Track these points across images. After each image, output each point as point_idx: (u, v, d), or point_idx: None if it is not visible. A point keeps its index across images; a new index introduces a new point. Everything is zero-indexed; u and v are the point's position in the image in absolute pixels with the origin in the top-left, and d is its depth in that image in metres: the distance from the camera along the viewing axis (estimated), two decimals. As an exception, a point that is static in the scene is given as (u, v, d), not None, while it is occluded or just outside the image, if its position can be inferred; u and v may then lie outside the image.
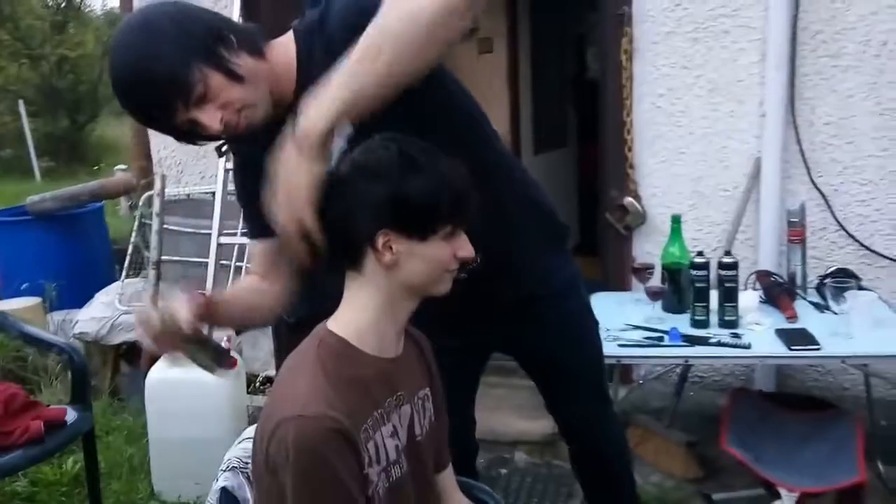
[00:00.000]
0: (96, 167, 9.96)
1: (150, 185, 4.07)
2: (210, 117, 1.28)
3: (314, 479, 1.10)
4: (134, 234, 4.12)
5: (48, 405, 2.63)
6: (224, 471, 1.39)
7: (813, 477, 2.27)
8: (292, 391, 1.17)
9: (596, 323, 1.83)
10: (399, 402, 1.27)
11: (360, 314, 1.24)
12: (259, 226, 1.47)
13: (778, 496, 2.23)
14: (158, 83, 1.25)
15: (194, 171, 3.89)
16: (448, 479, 1.44)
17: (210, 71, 1.26)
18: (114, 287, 3.96)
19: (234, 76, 1.28)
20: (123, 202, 6.27)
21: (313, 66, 1.34)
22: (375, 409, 1.21)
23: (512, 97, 5.00)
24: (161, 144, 3.97)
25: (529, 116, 5.16)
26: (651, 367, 3.05)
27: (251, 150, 1.42)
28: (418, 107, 1.28)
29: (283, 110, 1.35)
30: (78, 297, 3.98)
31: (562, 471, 2.82)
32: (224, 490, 1.37)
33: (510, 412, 3.11)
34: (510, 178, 1.64)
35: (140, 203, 4.09)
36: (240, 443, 1.42)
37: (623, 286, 3.04)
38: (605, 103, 3.19)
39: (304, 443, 1.10)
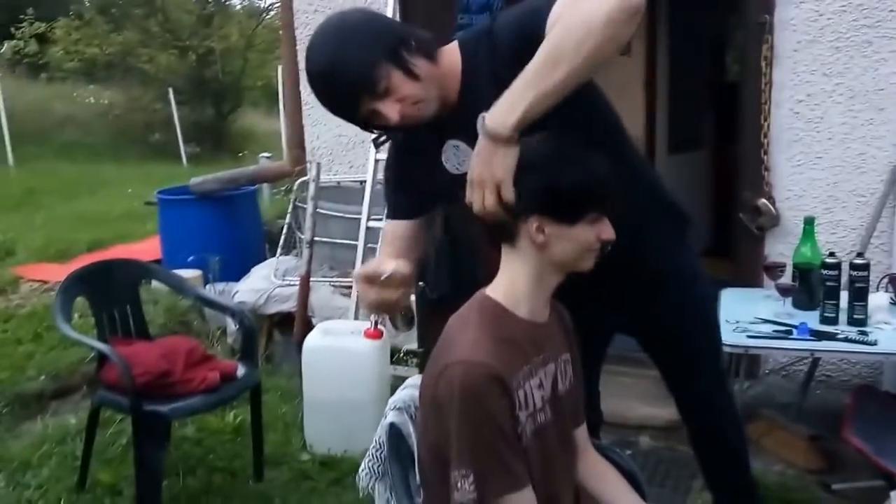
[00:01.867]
0: (240, 154, 10.51)
1: (302, 172, 4.43)
2: (389, 109, 1.52)
3: (475, 414, 1.34)
4: (288, 216, 4.47)
5: (219, 361, 2.97)
6: (391, 409, 1.63)
7: None
8: (458, 343, 1.42)
9: (717, 310, 1.98)
10: (545, 361, 1.49)
11: (513, 284, 1.47)
12: (402, 207, 1.78)
13: (893, 485, 2.31)
14: (349, 78, 1.49)
15: (344, 160, 4.22)
16: (583, 435, 1.65)
17: (393, 70, 1.50)
18: (269, 263, 4.34)
19: (413, 75, 1.52)
20: (266, 188, 6.67)
21: (479, 76, 1.58)
22: (525, 364, 1.44)
23: (648, 98, 5.12)
24: (314, 135, 4.33)
25: (665, 117, 5.26)
26: (777, 361, 3.14)
27: (412, 141, 1.67)
28: (570, 109, 1.45)
29: (447, 111, 1.59)
30: (233, 271, 4.34)
31: (684, 455, 2.91)
32: (392, 425, 1.61)
33: (636, 399, 3.27)
34: (640, 171, 1.85)
35: (294, 188, 4.43)
36: (404, 389, 1.67)
37: (754, 285, 3.12)
38: (743, 107, 3.31)
39: (468, 384, 1.34)
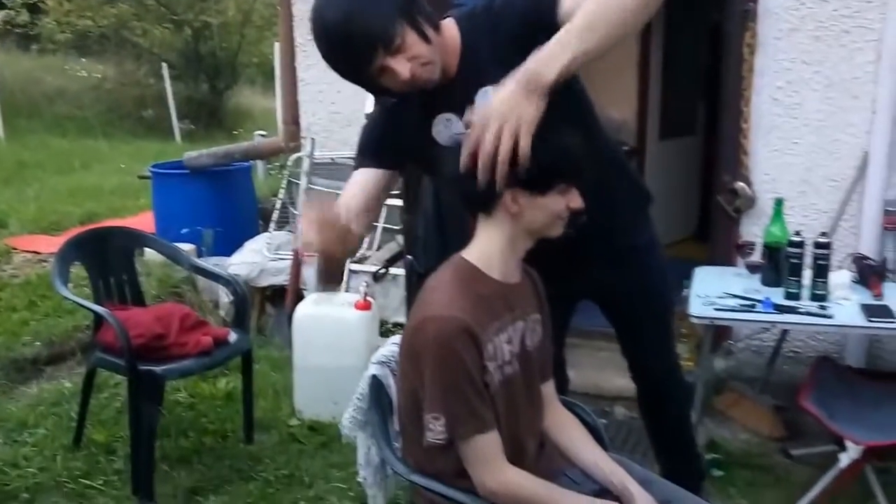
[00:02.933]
0: (235, 132, 10.47)
1: (297, 149, 4.49)
2: (401, 66, 1.61)
3: (446, 362, 1.48)
4: (282, 192, 4.55)
5: (211, 328, 3.07)
6: (374, 363, 1.77)
7: (879, 433, 2.50)
8: (434, 299, 1.55)
9: (669, 281, 2.14)
10: (514, 319, 1.62)
11: (487, 247, 1.60)
12: (376, 162, 1.83)
13: (845, 448, 2.47)
14: (368, 30, 1.56)
15: (338, 138, 4.29)
16: (549, 390, 1.78)
17: (408, 28, 1.59)
18: (262, 237, 4.44)
19: (425, 36, 1.63)
20: (261, 165, 6.71)
21: (478, 53, 1.69)
22: (495, 320, 1.57)
23: (641, 84, 5.22)
24: (310, 112, 4.39)
25: (657, 103, 5.34)
26: (745, 336, 3.28)
27: (405, 106, 1.76)
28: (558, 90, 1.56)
29: (446, 81, 1.69)
30: (226, 246, 4.42)
31: (641, 425, 3.10)
32: (374, 377, 1.75)
33: (613, 372, 3.37)
34: (611, 149, 1.99)
35: (289, 164, 4.49)
36: (387, 345, 1.80)
37: (729, 264, 3.25)
38: (725, 93, 3.42)
39: (442, 335, 1.48)
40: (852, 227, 3.20)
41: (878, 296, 2.61)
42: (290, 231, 4.47)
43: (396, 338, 1.75)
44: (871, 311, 2.50)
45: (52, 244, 4.51)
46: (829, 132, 3.22)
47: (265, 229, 4.68)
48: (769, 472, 2.89)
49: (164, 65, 12.17)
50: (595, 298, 2.14)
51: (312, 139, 3.98)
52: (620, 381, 3.36)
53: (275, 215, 4.52)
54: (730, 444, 3.05)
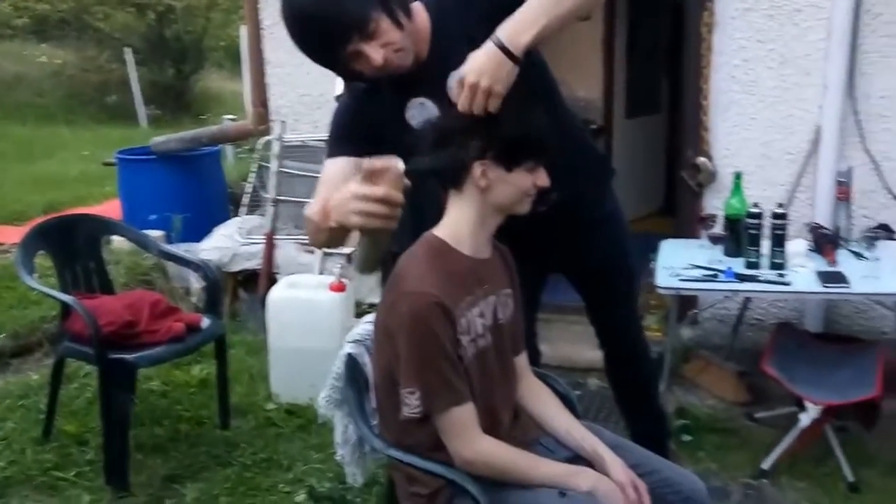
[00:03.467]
0: (203, 117, 10.36)
1: (266, 132, 4.48)
2: (374, 51, 1.64)
3: (421, 338, 1.54)
4: (252, 176, 4.53)
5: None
6: (349, 342, 1.82)
7: (837, 394, 2.65)
8: (407, 276, 1.61)
9: (632, 251, 2.23)
10: (486, 293, 1.68)
11: (458, 224, 1.65)
12: (350, 146, 1.77)
13: (805, 409, 2.64)
14: (343, 15, 1.59)
15: (308, 120, 4.30)
16: (522, 361, 1.84)
17: (382, 14, 1.62)
18: (233, 222, 4.43)
19: (398, 23, 1.66)
20: (230, 150, 6.66)
21: (448, 36, 1.73)
22: (467, 295, 1.63)
23: (606, 63, 5.29)
24: (278, 94, 4.40)
25: (623, 82, 5.42)
26: (710, 304, 3.40)
27: (376, 91, 1.78)
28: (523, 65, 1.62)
29: (418, 65, 1.72)
30: (196, 232, 4.36)
31: (610, 394, 3.21)
32: (349, 355, 1.80)
33: (585, 345, 3.45)
34: (575, 126, 2.06)
35: (258, 147, 4.47)
36: (361, 325, 1.85)
37: (692, 236, 3.37)
38: (685, 71, 3.52)
39: (415, 311, 1.53)
40: (807, 199, 3.31)
41: (833, 263, 2.73)
42: (261, 215, 4.48)
43: (371, 316, 1.80)
44: (825, 277, 2.62)
45: (14, 235, 4.40)
46: (784, 108, 3.32)
47: (235, 214, 4.67)
48: (735, 435, 3.01)
49: (128, 49, 11.94)
50: (564, 271, 2.23)
51: (283, 122, 4.00)
52: (592, 353, 3.44)
53: (245, 199, 4.52)
54: (698, 410, 3.17)
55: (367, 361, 1.77)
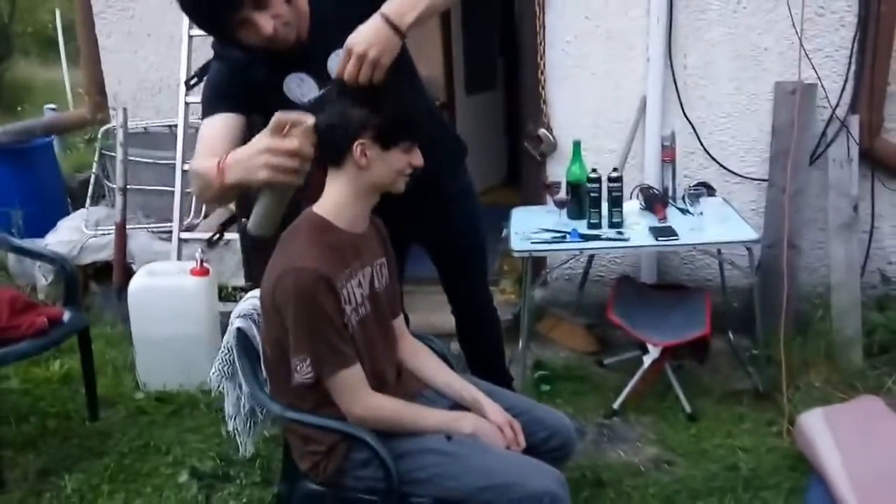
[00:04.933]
0: (20, 108, 9.71)
1: (105, 120, 4.38)
2: (265, 21, 1.72)
3: (307, 309, 1.64)
4: (95, 166, 4.40)
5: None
6: (238, 317, 1.90)
7: (673, 335, 2.97)
8: (290, 252, 1.70)
9: (483, 221, 2.44)
10: (363, 265, 1.81)
11: (336, 201, 1.76)
12: (230, 103, 1.85)
13: (647, 351, 2.94)
14: None
15: (149, 106, 4.23)
16: (400, 323, 2.00)
17: None
18: (78, 214, 4.30)
19: None
20: (57, 140, 6.36)
21: (326, 19, 1.82)
22: (346, 268, 1.75)
23: (445, 44, 5.48)
24: (116, 81, 4.29)
25: (461, 61, 5.64)
26: (559, 264, 3.65)
27: (252, 64, 1.84)
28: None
29: (298, 44, 1.80)
30: (35, 228, 4.20)
31: None
32: (239, 329, 1.88)
33: (426, 310, 3.65)
34: (433, 108, 2.24)
35: (99, 136, 4.34)
36: (247, 300, 1.93)
37: (539, 203, 3.59)
38: (523, 48, 3.72)
39: (300, 285, 1.64)
40: (638, 163, 3.64)
41: (663, 219, 3.03)
42: (106, 205, 4.36)
43: (255, 292, 1.88)
44: (657, 231, 2.92)
45: None
46: (613, 80, 3.60)
47: (74, 207, 4.53)
48: (587, 382, 3.30)
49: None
50: (424, 242, 2.40)
51: (124, 109, 3.89)
52: (451, 319, 3.69)
53: (90, 191, 4.38)
54: (553, 363, 3.44)
55: (255, 334, 1.85)
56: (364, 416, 1.71)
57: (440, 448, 1.74)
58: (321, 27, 1.84)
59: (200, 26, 1.75)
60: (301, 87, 1.74)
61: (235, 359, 1.86)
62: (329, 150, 1.71)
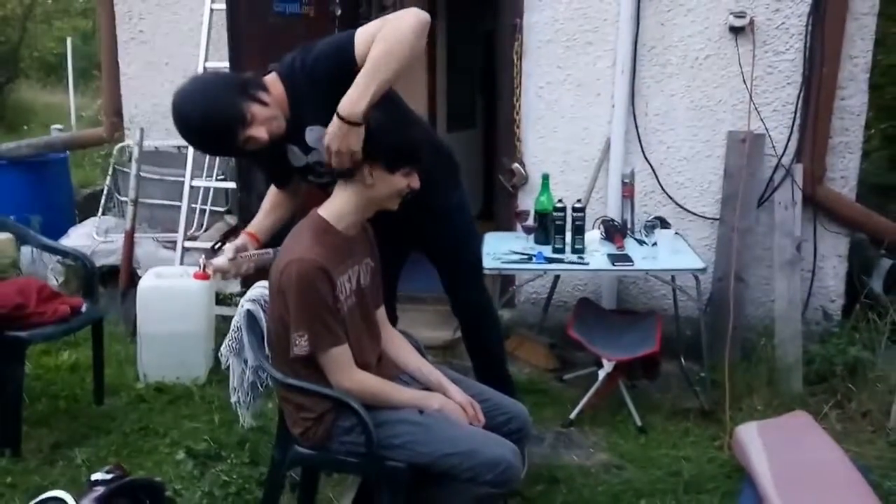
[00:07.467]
0: (25, 127, 9.92)
1: (121, 139, 4.75)
2: (258, 131, 2.08)
3: (307, 293, 1.95)
4: (109, 179, 4.78)
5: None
6: (247, 301, 2.21)
7: (625, 352, 3.26)
8: (295, 247, 2.02)
9: (477, 233, 2.77)
10: (353, 263, 2.13)
11: (340, 207, 2.10)
12: (275, 180, 2.41)
13: (602, 366, 3.22)
14: (225, 118, 2.02)
15: (160, 127, 4.52)
16: (381, 313, 2.31)
17: (250, 103, 2.06)
18: (89, 222, 4.69)
19: (263, 103, 2.10)
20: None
21: (301, 99, 2.17)
22: (341, 264, 2.07)
23: (430, 84, 5.88)
24: (132, 104, 4.66)
25: (444, 102, 6.05)
26: (526, 282, 3.99)
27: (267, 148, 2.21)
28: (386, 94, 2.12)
29: (287, 124, 2.17)
30: (46, 233, 4.28)
31: (458, 366, 3.47)
32: (248, 311, 2.19)
33: (421, 326, 3.93)
34: (430, 133, 2.62)
35: (114, 153, 4.72)
36: (255, 288, 2.25)
37: (510, 229, 3.91)
38: (501, 91, 4.11)
39: (302, 272, 1.94)
40: (601, 197, 3.99)
41: (621, 248, 3.37)
42: (116, 216, 4.71)
43: (264, 282, 2.20)
44: (615, 258, 3.26)
45: None
46: (580, 122, 3.98)
47: (81, 219, 4.88)
48: (547, 395, 3.57)
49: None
50: (423, 249, 2.70)
51: (142, 129, 4.25)
52: (428, 332, 3.92)
53: (102, 201, 4.73)
54: (518, 377, 3.62)
55: (262, 316, 2.18)
56: (350, 388, 2.02)
57: (413, 419, 2.04)
58: (299, 106, 2.18)
59: (216, 155, 2.17)
60: (312, 133, 2.14)
61: (244, 335, 2.16)
62: (342, 175, 2.07)
